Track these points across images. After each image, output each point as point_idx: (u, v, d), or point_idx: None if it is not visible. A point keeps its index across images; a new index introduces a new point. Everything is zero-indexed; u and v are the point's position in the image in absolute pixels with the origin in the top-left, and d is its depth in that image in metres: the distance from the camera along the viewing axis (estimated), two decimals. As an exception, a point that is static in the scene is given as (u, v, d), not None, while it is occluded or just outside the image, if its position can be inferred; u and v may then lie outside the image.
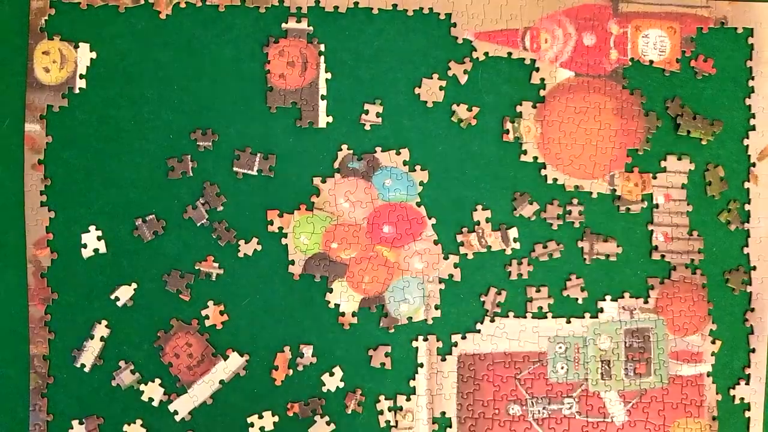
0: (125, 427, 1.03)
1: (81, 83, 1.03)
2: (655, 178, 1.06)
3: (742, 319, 1.06)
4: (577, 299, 1.05)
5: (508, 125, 1.05)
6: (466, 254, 1.05)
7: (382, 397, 1.04)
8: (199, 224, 1.03)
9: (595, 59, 1.06)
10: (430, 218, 1.05)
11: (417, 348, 1.05)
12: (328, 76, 1.04)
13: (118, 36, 1.03)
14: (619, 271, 1.06)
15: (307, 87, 1.04)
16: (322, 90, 1.04)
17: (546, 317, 1.05)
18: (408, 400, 1.04)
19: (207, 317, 1.03)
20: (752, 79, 1.06)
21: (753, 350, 1.06)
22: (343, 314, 1.04)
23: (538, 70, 1.06)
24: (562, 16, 1.06)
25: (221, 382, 1.04)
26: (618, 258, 1.05)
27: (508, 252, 1.05)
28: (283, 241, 1.04)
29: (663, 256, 1.06)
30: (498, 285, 1.05)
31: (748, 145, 1.06)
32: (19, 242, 1.02)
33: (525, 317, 1.05)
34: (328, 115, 1.04)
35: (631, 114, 1.06)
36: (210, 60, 1.03)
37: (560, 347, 1.05)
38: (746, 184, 1.07)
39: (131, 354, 1.03)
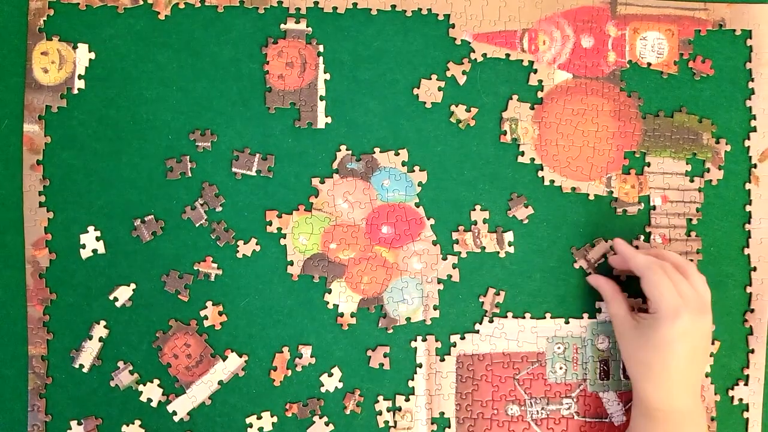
0: (124, 428, 1.03)
1: (80, 84, 1.03)
2: (651, 180, 1.06)
3: (741, 319, 1.06)
4: (576, 300, 1.06)
5: (506, 126, 1.05)
6: (460, 252, 1.05)
7: (380, 398, 1.04)
8: (197, 225, 1.03)
9: (593, 61, 1.06)
10: (428, 219, 1.05)
11: (416, 348, 1.05)
12: (327, 76, 1.04)
13: (117, 36, 1.03)
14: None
15: (305, 88, 1.04)
16: (321, 91, 1.04)
17: (545, 317, 1.05)
18: (407, 400, 1.04)
19: (206, 318, 1.03)
20: (752, 80, 1.06)
21: (752, 351, 1.06)
22: (341, 315, 1.04)
23: (536, 71, 1.06)
24: (561, 18, 1.06)
25: (220, 382, 1.03)
26: (616, 259, 1.06)
27: (502, 255, 1.05)
28: (282, 241, 1.04)
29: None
30: (496, 286, 1.05)
31: (749, 147, 1.06)
32: (17, 243, 1.02)
33: (524, 318, 1.05)
34: (326, 116, 1.04)
35: (628, 116, 1.06)
36: (209, 60, 1.03)
37: (559, 347, 1.05)
38: (747, 185, 1.07)
39: (130, 354, 1.03)
